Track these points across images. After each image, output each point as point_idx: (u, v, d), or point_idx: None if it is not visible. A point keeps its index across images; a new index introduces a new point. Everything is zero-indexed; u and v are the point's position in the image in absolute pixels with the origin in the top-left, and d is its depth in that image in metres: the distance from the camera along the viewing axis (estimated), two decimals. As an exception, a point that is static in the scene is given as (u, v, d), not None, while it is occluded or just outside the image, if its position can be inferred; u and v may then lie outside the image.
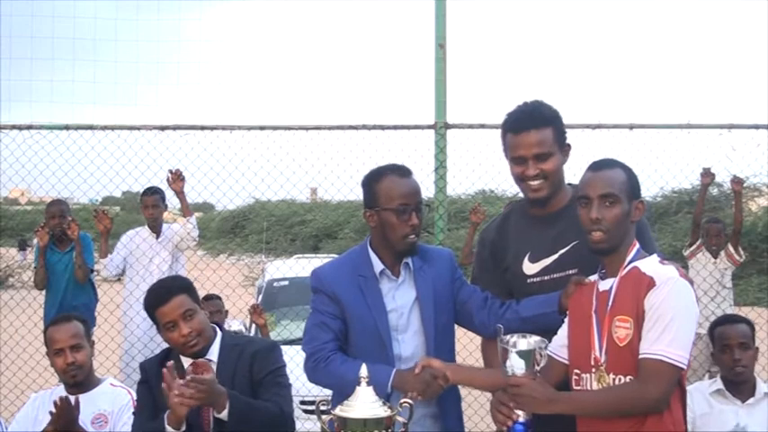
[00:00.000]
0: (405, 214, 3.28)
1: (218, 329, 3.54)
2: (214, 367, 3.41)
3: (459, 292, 3.43)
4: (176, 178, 6.92)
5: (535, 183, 3.21)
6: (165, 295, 3.42)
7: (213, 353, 3.44)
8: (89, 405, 3.85)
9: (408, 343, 3.34)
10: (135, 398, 3.87)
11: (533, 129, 3.19)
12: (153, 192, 7.14)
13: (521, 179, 3.26)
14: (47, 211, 7.18)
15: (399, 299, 3.36)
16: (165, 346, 6.78)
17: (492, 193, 21.45)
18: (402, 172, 3.38)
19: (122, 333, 7.17)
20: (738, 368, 3.94)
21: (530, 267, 3.28)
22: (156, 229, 7.18)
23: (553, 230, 3.24)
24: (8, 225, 26.28)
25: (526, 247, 3.29)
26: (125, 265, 7.15)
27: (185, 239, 7.15)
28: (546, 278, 3.23)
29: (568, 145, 3.30)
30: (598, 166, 2.90)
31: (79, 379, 3.87)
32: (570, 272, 3.14)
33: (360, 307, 3.33)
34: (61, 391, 3.94)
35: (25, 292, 7.83)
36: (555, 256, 3.22)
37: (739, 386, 3.97)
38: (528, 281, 3.27)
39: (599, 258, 2.91)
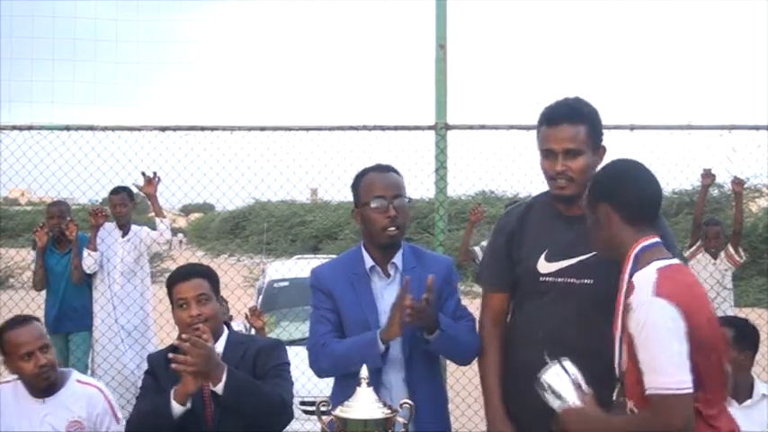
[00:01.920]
0: (381, 206, 3.32)
1: (226, 328, 3.56)
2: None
3: (443, 305, 3.43)
4: (148, 182, 6.93)
5: (561, 181, 3.16)
6: (186, 274, 3.47)
7: (218, 347, 3.44)
8: (61, 410, 3.74)
9: (394, 343, 3.34)
10: (107, 395, 3.83)
11: (567, 122, 3.14)
12: (119, 190, 7.17)
13: (549, 176, 3.20)
14: (47, 212, 7.21)
15: (388, 297, 3.38)
16: (130, 353, 6.63)
17: (492, 193, 21.46)
18: (380, 168, 3.46)
19: (93, 335, 7.13)
20: None
21: (545, 266, 3.22)
22: (123, 227, 7.20)
23: (575, 232, 3.15)
24: (8, 225, 26.23)
25: (544, 244, 3.24)
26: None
27: (158, 241, 7.17)
28: (559, 280, 3.19)
29: (603, 147, 3.22)
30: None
31: (52, 380, 3.73)
32: (586, 281, 3.13)
33: (352, 303, 3.40)
34: (17, 383, 3.77)
35: (24, 292, 7.83)
36: (573, 261, 3.17)
37: (736, 388, 3.96)
38: (540, 279, 3.23)
39: None
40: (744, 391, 3.97)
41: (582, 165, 3.14)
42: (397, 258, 3.43)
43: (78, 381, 3.87)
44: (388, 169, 3.46)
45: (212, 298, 3.46)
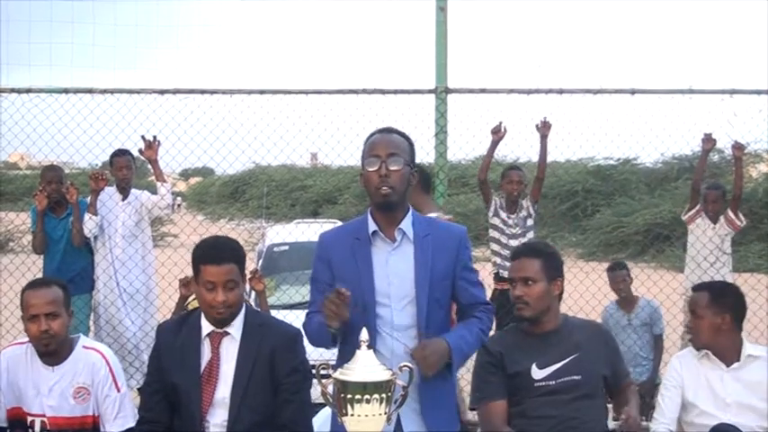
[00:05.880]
0: (374, 166, 3.28)
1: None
2: (236, 346, 3.45)
3: (458, 288, 3.46)
4: (149, 146, 6.88)
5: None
6: (219, 257, 3.41)
7: (236, 327, 3.47)
8: (68, 377, 3.78)
9: (402, 312, 3.34)
10: (109, 361, 3.83)
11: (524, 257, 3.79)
12: (123, 153, 7.12)
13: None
14: (43, 177, 7.13)
15: (393, 264, 3.36)
16: (132, 316, 6.46)
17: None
18: (383, 130, 3.44)
19: (95, 298, 7.12)
20: (689, 335, 4.06)
21: (538, 373, 3.70)
22: (124, 191, 7.17)
23: (553, 344, 3.73)
24: (7, 189, 26.19)
25: (532, 358, 3.72)
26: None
27: (159, 205, 7.14)
28: (551, 383, 3.67)
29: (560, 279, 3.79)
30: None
31: (51, 348, 3.76)
32: (575, 377, 3.67)
33: (349, 267, 3.35)
34: (29, 346, 3.83)
35: (24, 255, 7.83)
36: (559, 365, 3.69)
37: (723, 351, 3.97)
38: (535, 384, 3.68)
39: None
40: (731, 354, 3.98)
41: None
42: (406, 224, 3.38)
43: (84, 346, 3.89)
44: (390, 131, 3.42)
45: (239, 284, 3.43)
